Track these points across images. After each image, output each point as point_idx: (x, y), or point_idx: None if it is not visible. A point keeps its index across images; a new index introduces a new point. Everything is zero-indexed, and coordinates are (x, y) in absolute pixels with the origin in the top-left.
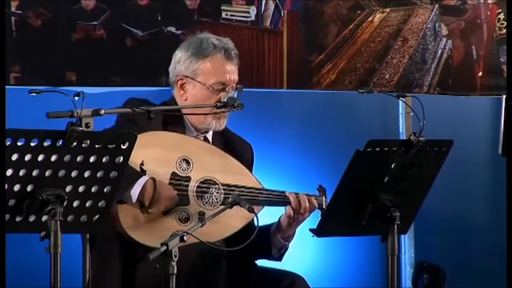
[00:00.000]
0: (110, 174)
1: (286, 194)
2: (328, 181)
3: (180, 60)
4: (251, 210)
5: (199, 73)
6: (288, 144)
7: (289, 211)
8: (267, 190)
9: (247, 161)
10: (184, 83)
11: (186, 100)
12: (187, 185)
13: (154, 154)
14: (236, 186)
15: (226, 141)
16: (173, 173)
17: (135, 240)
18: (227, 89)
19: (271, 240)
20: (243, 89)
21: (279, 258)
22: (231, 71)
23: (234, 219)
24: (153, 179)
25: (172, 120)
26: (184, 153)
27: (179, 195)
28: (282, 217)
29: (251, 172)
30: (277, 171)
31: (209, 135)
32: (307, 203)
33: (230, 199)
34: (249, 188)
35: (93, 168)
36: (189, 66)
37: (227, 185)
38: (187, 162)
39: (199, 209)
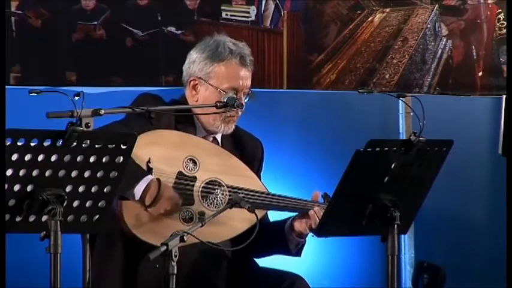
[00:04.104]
0: (110, 174)
1: (310, 213)
2: (328, 181)
3: (195, 61)
4: (251, 211)
5: (213, 76)
6: (288, 144)
7: (307, 226)
8: (272, 195)
9: (257, 158)
10: (196, 84)
11: (197, 101)
12: (193, 185)
13: (162, 152)
14: (241, 188)
15: (236, 140)
16: (179, 172)
17: (139, 239)
18: (239, 94)
19: (287, 238)
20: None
21: (298, 253)
22: (245, 77)
23: (239, 221)
24: (159, 179)
25: (184, 120)
26: (191, 153)
27: (184, 194)
28: (296, 225)
29: (261, 167)
30: (277, 171)
31: (218, 136)
32: None
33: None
34: (255, 191)
35: (93, 168)
36: (203, 68)
37: (232, 187)
38: (194, 163)
39: (202, 209)
